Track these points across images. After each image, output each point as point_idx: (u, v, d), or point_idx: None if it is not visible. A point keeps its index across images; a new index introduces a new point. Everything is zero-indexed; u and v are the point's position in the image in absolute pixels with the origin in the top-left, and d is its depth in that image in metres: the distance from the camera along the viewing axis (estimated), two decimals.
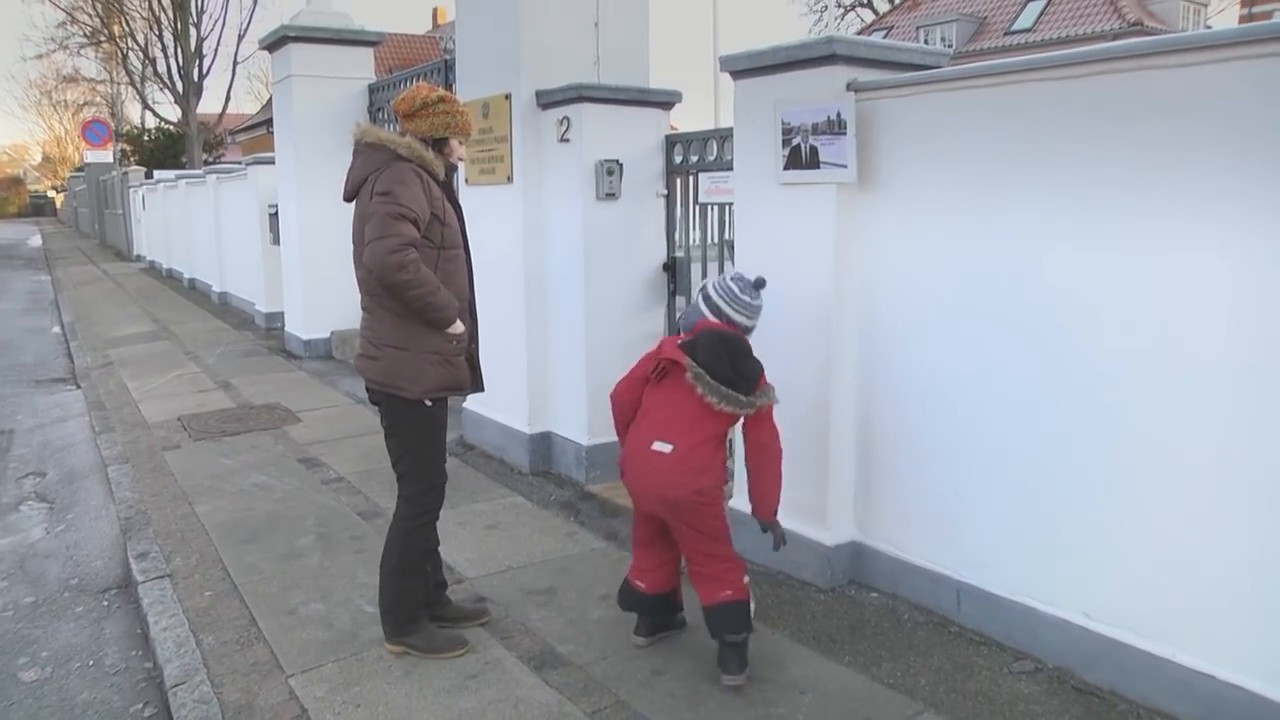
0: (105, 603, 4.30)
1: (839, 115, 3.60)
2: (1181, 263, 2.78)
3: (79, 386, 8.89)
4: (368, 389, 3.44)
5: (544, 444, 5.69)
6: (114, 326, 12.35)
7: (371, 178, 3.21)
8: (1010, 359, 3.27)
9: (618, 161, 5.25)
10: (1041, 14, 34.48)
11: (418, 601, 3.41)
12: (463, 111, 3.41)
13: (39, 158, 78.13)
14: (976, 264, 3.35)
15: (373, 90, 9.20)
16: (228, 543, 4.63)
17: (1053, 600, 3.24)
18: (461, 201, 6.08)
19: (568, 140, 5.26)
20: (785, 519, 4.05)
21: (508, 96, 5.44)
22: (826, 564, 3.92)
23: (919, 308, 3.58)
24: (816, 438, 3.92)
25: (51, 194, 74.83)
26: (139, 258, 23.95)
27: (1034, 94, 3.11)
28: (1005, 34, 35.10)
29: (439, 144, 3.36)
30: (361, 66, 9.42)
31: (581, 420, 5.41)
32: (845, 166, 3.63)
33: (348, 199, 3.33)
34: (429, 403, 3.31)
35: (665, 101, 5.48)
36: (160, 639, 3.69)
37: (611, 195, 5.27)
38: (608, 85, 5.26)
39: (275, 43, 9.38)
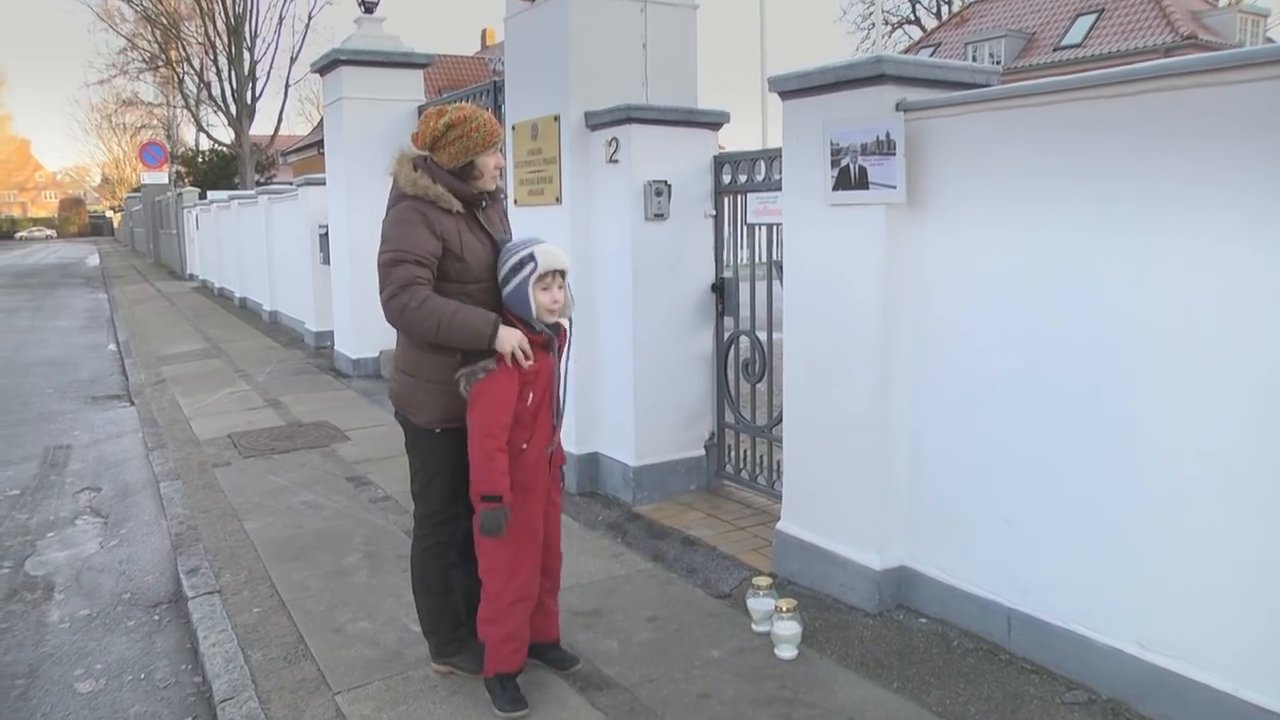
0: (156, 617, 4.37)
1: (888, 135, 3.58)
2: (1238, 283, 2.72)
3: (133, 403, 9.07)
4: None
5: (591, 465, 5.69)
6: (167, 344, 12.60)
7: (388, 211, 3.20)
8: (1063, 382, 3.21)
9: (666, 182, 5.26)
10: (1091, 28, 34.02)
11: (457, 621, 3.40)
12: (479, 127, 3.16)
13: (98, 179, 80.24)
14: (1028, 284, 3.29)
15: (422, 112, 9.31)
16: (276, 560, 4.68)
17: (1106, 629, 3.16)
18: (511, 223, 6.21)
19: (616, 161, 5.28)
20: (833, 542, 4.03)
21: (556, 118, 5.48)
22: (875, 588, 3.87)
23: (969, 329, 3.54)
24: (866, 459, 3.88)
25: (110, 214, 76.78)
26: (192, 276, 24.44)
27: (1085, 112, 3.07)
28: (1055, 49, 34.72)
29: (465, 171, 3.21)
30: (411, 88, 9.55)
31: (629, 441, 5.41)
32: (894, 187, 3.60)
33: None
34: (438, 430, 3.25)
35: (713, 122, 5.48)
36: (209, 654, 3.73)
37: (660, 216, 5.28)
38: (656, 106, 5.28)
39: (327, 66, 9.55)
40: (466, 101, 7.86)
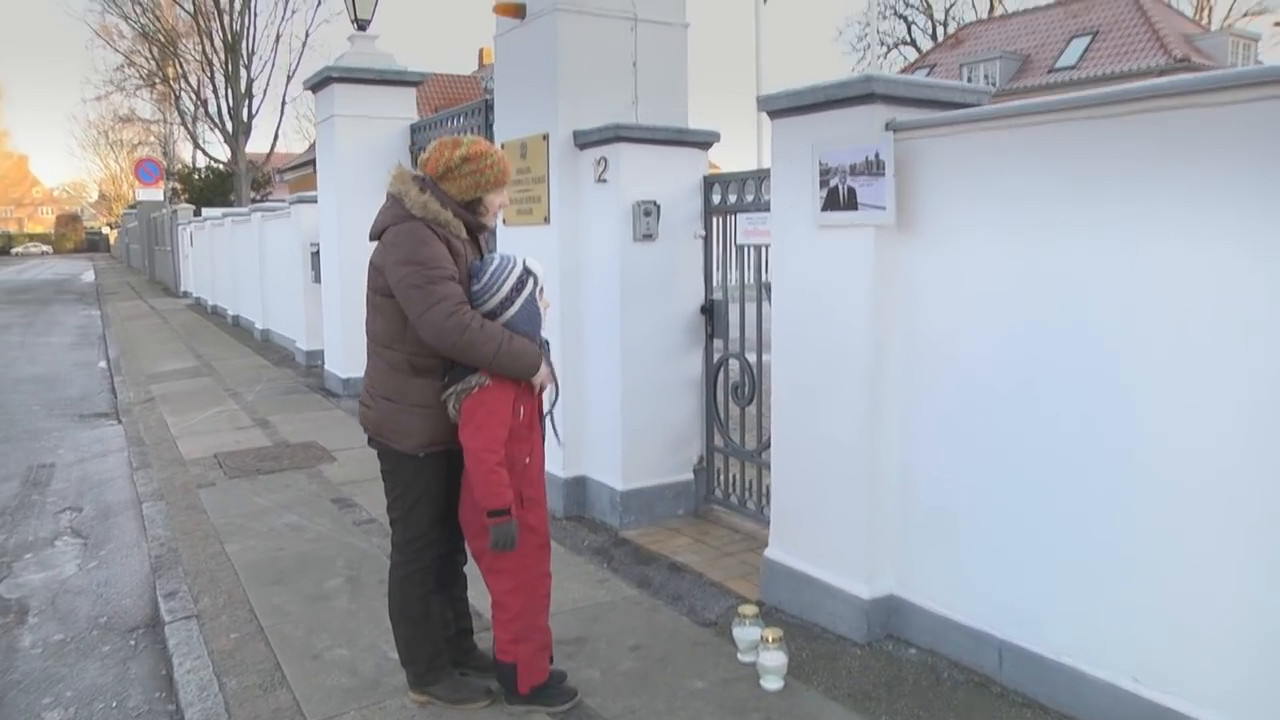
0: (132, 642, 4.27)
1: (878, 155, 3.53)
2: (1235, 306, 2.66)
3: (120, 421, 8.98)
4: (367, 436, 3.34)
5: (578, 488, 5.61)
6: (158, 362, 12.51)
7: (390, 231, 3.10)
8: (1057, 408, 3.14)
9: (655, 202, 5.21)
10: (1086, 51, 34.20)
11: (435, 650, 3.32)
12: (492, 165, 3.16)
13: (95, 195, 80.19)
14: (1021, 308, 3.24)
15: (415, 130, 9.28)
16: (256, 583, 4.59)
17: (1100, 662, 3.08)
18: (499, 243, 6.16)
19: (605, 181, 5.23)
20: (821, 570, 3.95)
21: (545, 137, 5.44)
22: (864, 618, 3.79)
23: (960, 353, 3.47)
24: (855, 486, 3.80)
25: (106, 230, 76.81)
26: (186, 294, 24.37)
27: (1078, 132, 3.02)
28: (1049, 71, 34.89)
29: (472, 204, 3.19)
30: (404, 107, 9.52)
31: (616, 465, 5.33)
32: (884, 208, 3.55)
33: (371, 239, 3.25)
34: (422, 455, 3.17)
35: (703, 142, 5.45)
36: (183, 681, 3.65)
37: (649, 236, 5.22)
38: (645, 125, 5.24)
39: (319, 83, 9.52)
40: (459, 120, 7.89)
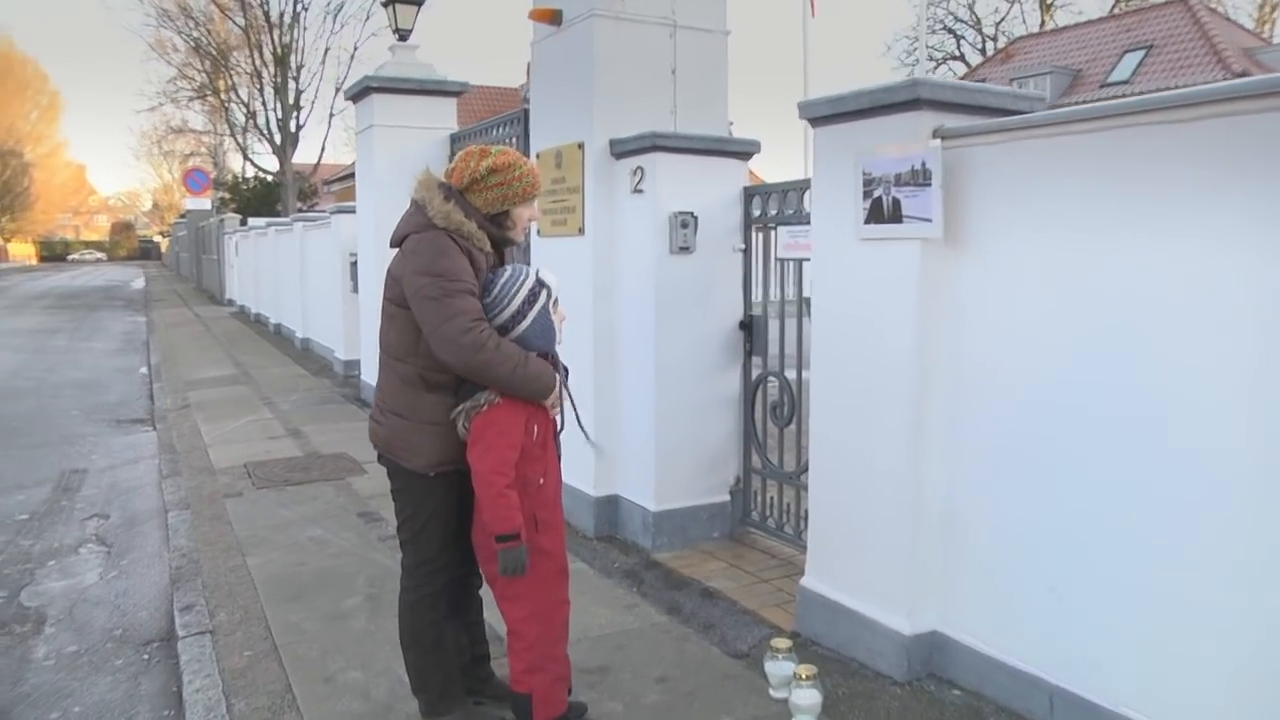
0: (146, 656, 4.16)
1: (924, 165, 3.33)
2: None
3: (155, 428, 8.97)
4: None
5: (610, 508, 5.43)
6: (197, 369, 12.56)
7: (411, 239, 2.95)
8: (1119, 437, 2.90)
9: (693, 214, 5.04)
10: (1140, 65, 33.39)
11: (448, 678, 3.15)
12: (521, 176, 2.98)
13: (149, 204, 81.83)
14: (1079, 328, 3.00)
15: (454, 140, 9.18)
16: (274, 599, 4.47)
17: (1163, 717, 2.83)
18: (533, 254, 6.03)
19: (641, 191, 5.07)
20: (860, 602, 3.74)
21: (580, 145, 5.29)
22: (904, 654, 3.56)
23: (1012, 376, 3.25)
24: (897, 514, 3.59)
25: (158, 239, 78.29)
26: (230, 302, 24.62)
27: (1147, 138, 2.79)
28: (1101, 86, 34.19)
29: (499, 218, 3.03)
30: (443, 117, 9.42)
31: (649, 484, 5.15)
32: (930, 220, 3.35)
33: (391, 246, 3.12)
34: (432, 474, 3.00)
35: (744, 152, 5.27)
36: (191, 701, 3.52)
37: (686, 249, 5.05)
38: (683, 134, 5.07)
39: (359, 93, 9.47)
40: (495, 130, 7.78)
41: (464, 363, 2.81)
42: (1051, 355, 3.09)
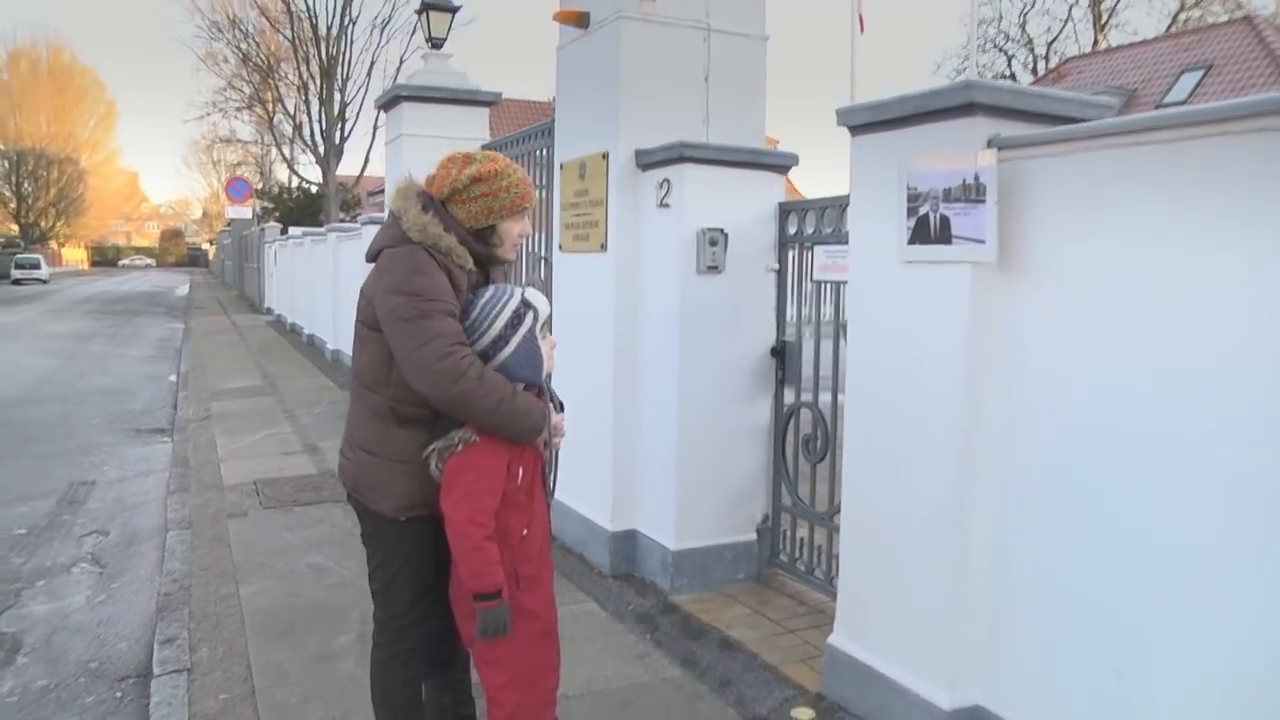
0: (119, 694, 3.87)
1: (977, 178, 2.94)
2: None
3: (173, 439, 8.76)
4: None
5: (627, 543, 5.06)
6: (225, 378, 12.40)
7: (385, 254, 2.61)
8: (1202, 494, 2.49)
9: (722, 230, 4.68)
10: (1198, 85, 32.44)
11: None
12: (509, 187, 2.64)
13: (199, 213, 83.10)
14: (1153, 368, 2.59)
15: (484, 150, 8.92)
16: (261, 634, 4.16)
17: None
18: (555, 270, 5.70)
19: (667, 205, 4.72)
20: (894, 667, 3.34)
21: (604, 156, 4.96)
22: None
23: (1074, 420, 2.83)
24: (938, 571, 3.18)
25: (206, 246, 79.53)
26: (268, 311, 24.64)
27: (1236, 148, 2.38)
28: (1156, 107, 33.34)
29: (484, 233, 2.68)
30: (476, 127, 9.16)
31: (669, 521, 4.78)
32: (983, 242, 2.96)
33: (367, 262, 2.77)
34: (403, 519, 2.66)
35: (780, 165, 4.90)
36: None
37: (714, 268, 4.69)
38: (713, 145, 4.72)
39: (389, 102, 9.26)
40: (527, 141, 7.48)
41: (440, 393, 2.46)
42: (1125, 400, 2.68)
